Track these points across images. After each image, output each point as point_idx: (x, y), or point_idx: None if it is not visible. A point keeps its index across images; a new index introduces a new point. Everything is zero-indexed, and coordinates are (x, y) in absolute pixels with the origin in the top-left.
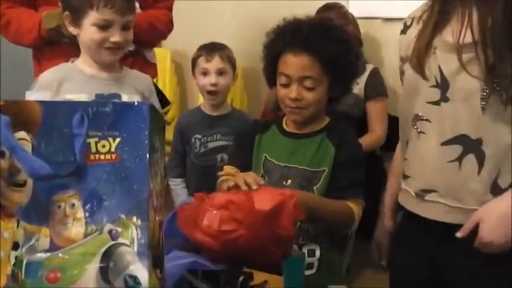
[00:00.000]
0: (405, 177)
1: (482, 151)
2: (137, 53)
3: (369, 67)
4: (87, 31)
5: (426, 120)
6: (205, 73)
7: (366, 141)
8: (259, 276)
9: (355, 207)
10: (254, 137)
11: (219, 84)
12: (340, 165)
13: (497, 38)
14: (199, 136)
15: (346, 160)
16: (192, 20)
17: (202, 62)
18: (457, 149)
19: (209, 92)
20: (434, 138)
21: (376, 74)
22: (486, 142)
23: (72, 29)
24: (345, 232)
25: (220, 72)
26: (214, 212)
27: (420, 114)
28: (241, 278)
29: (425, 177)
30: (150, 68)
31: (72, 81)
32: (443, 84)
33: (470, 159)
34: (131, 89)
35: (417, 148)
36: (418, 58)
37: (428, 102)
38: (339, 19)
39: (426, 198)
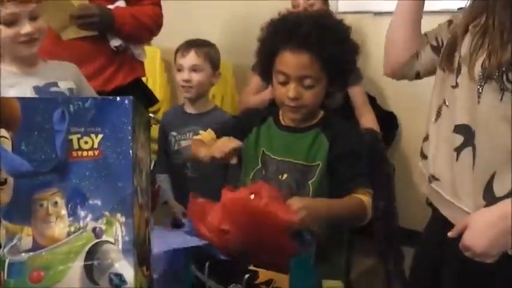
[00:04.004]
0: (424, 156)
1: (475, 145)
2: (125, 51)
3: None
4: None
5: (446, 105)
6: (180, 69)
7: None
8: (264, 275)
9: (364, 197)
10: (250, 126)
11: (192, 81)
12: (338, 159)
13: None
14: (174, 133)
15: (343, 153)
16: (183, 17)
17: (178, 58)
18: (459, 139)
19: (183, 87)
20: (448, 124)
21: None
22: (478, 136)
23: None
24: (361, 224)
25: (194, 69)
26: (217, 209)
27: (445, 98)
28: (246, 276)
29: (436, 163)
30: (138, 67)
31: None
32: (458, 70)
33: (468, 152)
34: (59, 76)
35: (437, 130)
36: (448, 45)
37: (451, 86)
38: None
39: (432, 185)
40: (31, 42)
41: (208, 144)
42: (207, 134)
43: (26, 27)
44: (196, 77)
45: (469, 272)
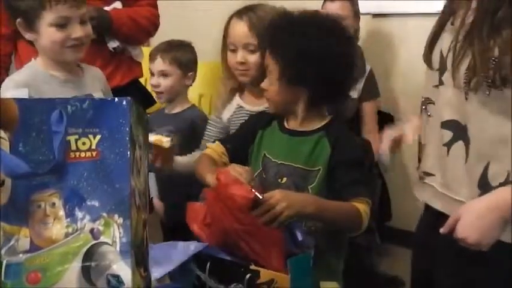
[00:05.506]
0: (419, 160)
1: (468, 138)
2: (123, 52)
3: (367, 68)
4: (46, 33)
5: (432, 103)
6: (152, 73)
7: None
8: (266, 275)
9: (361, 206)
10: (256, 130)
11: (160, 86)
12: (339, 166)
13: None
14: (153, 134)
15: (345, 160)
16: (180, 18)
17: (149, 62)
18: (448, 135)
19: (154, 92)
20: (436, 121)
21: (372, 76)
22: (470, 130)
23: (29, 36)
24: (356, 233)
25: (162, 74)
26: (203, 205)
27: (429, 97)
28: (248, 276)
29: (428, 159)
30: (135, 67)
31: (39, 87)
32: (442, 68)
33: (459, 146)
34: (93, 87)
35: (426, 131)
36: (428, 43)
37: (433, 86)
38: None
39: (425, 181)
40: (78, 47)
41: (217, 164)
42: (217, 147)
43: (77, 31)
44: (164, 82)
45: (461, 271)
